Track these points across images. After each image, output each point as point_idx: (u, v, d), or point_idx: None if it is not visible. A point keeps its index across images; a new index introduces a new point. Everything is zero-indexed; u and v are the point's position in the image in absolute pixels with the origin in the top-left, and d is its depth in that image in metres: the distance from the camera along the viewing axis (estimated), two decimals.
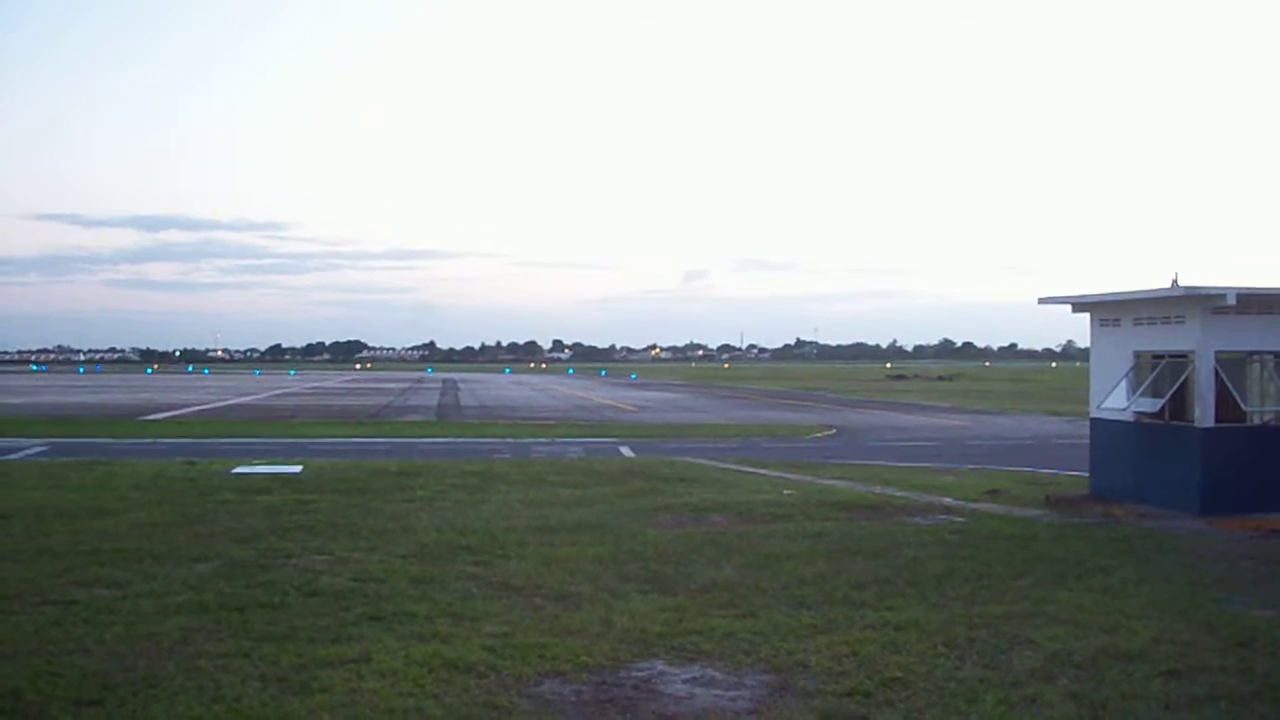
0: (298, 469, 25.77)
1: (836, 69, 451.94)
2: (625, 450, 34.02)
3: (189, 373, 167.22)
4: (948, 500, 21.27)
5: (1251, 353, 19.71)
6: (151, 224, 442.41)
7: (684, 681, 9.58)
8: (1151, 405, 20.05)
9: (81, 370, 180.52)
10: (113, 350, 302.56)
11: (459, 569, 14.22)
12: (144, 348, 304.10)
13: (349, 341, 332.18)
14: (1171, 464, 19.93)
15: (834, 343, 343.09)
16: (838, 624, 11.42)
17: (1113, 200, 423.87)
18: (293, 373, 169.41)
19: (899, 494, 22.14)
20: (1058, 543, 16.42)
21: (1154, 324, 20.35)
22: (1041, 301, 23.11)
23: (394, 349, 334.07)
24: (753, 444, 37.43)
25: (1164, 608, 12.19)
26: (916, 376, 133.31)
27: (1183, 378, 19.55)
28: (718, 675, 9.75)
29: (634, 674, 9.76)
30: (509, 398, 77.26)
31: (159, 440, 37.27)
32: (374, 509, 19.44)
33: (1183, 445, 19.68)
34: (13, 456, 30.03)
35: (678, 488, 22.80)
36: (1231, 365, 19.45)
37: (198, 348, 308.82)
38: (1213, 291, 18.91)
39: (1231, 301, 18.80)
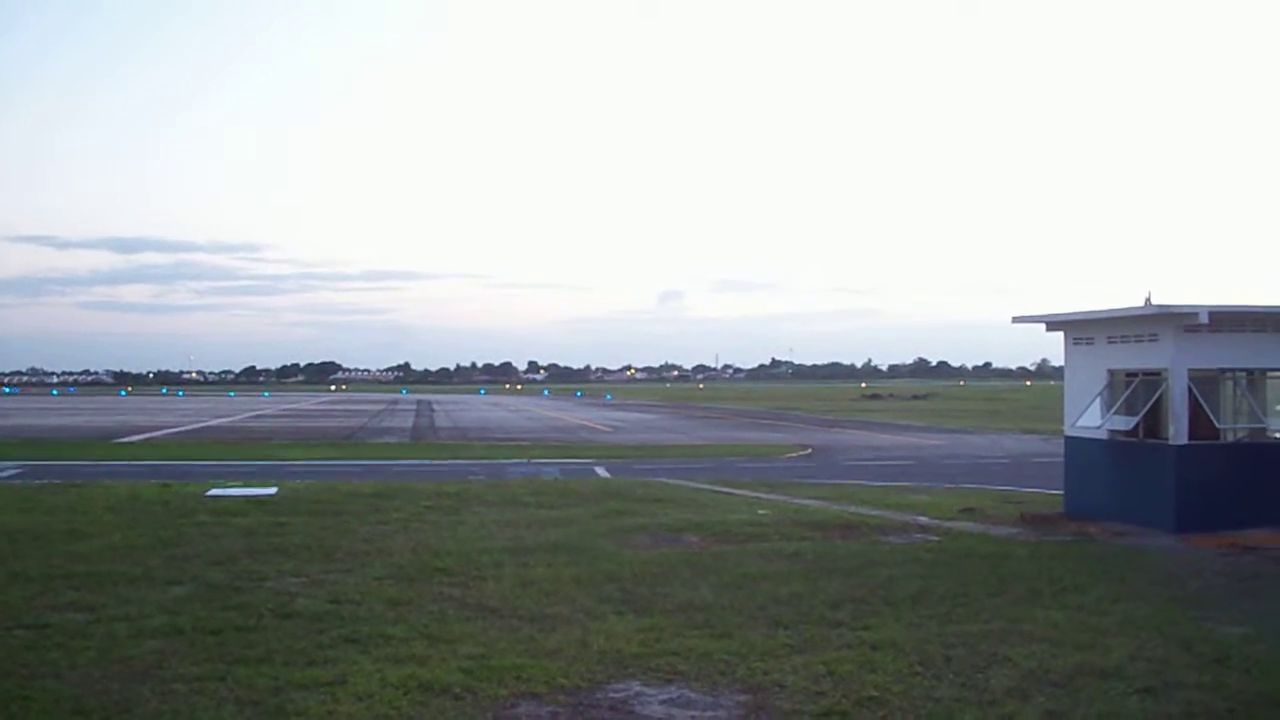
0: (273, 491, 25.67)
1: (812, 91, 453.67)
2: (601, 471, 34.03)
3: (163, 395, 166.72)
4: (923, 519, 21.30)
5: (1224, 370, 19.84)
6: (126, 246, 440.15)
7: (661, 702, 9.57)
8: (1126, 423, 20.13)
9: (55, 392, 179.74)
10: (86, 372, 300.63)
11: (435, 591, 14.17)
12: (118, 370, 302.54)
13: (323, 363, 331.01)
14: (1146, 482, 20.00)
15: (809, 363, 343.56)
16: (814, 643, 11.42)
17: (1087, 219, 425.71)
18: (267, 394, 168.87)
19: (874, 513, 22.17)
20: (1033, 561, 16.45)
21: (1127, 342, 20.45)
22: (1015, 320, 23.22)
23: (369, 370, 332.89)
24: (728, 464, 37.49)
25: (1139, 625, 12.22)
26: (891, 396, 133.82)
27: (1156, 396, 19.64)
28: (694, 696, 9.74)
29: (611, 695, 9.75)
30: (484, 419, 77.19)
31: (133, 462, 37.12)
32: (349, 531, 19.37)
33: (1157, 463, 19.77)
34: None
35: (653, 508, 22.77)
36: (1205, 383, 19.56)
37: (172, 370, 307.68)
38: (1185, 310, 19.03)
39: (1204, 320, 18.91)
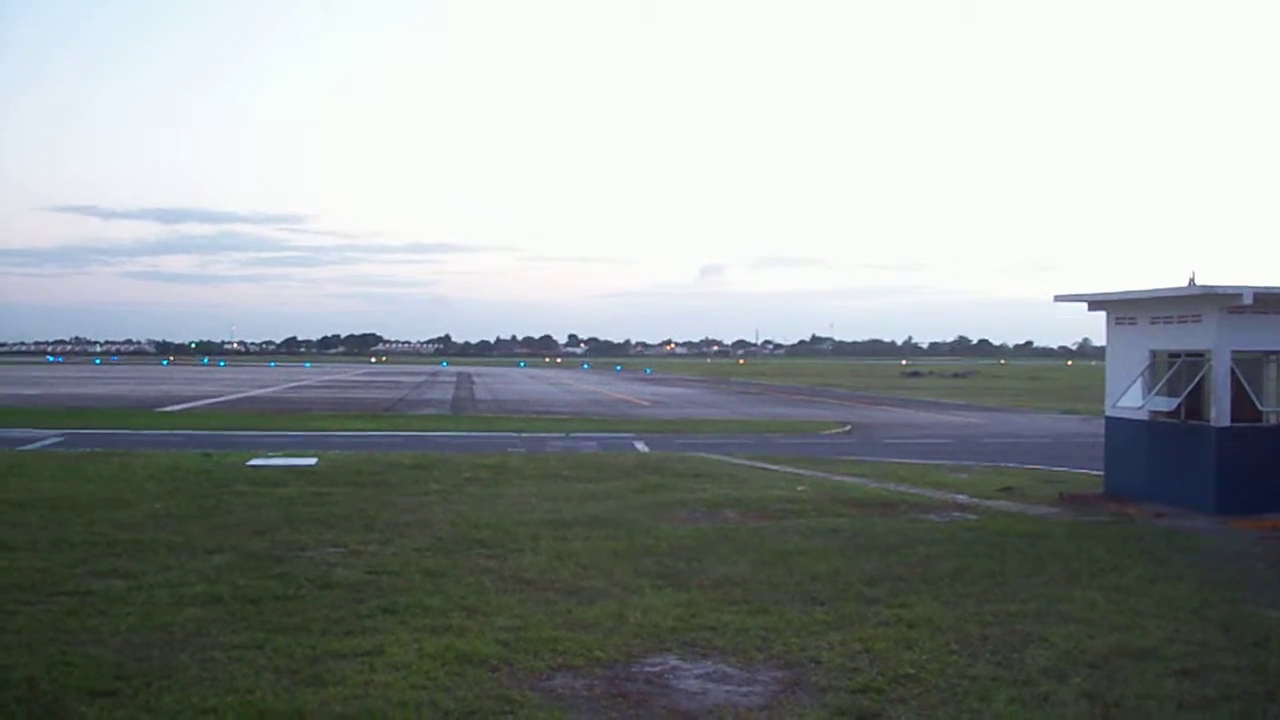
0: (313, 461, 25.83)
1: (854, 64, 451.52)
2: (640, 445, 34.02)
3: (205, 365, 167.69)
4: (961, 498, 21.24)
5: (1268, 352, 19.65)
6: (170, 216, 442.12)
7: (697, 677, 9.60)
8: (1167, 404, 20.00)
9: (98, 361, 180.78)
10: (129, 342, 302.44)
11: (473, 562, 14.25)
12: (160, 339, 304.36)
13: (364, 334, 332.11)
14: (1187, 463, 19.88)
15: (849, 339, 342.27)
16: (851, 620, 11.42)
17: (1131, 198, 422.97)
18: (308, 365, 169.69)
19: (913, 491, 22.12)
20: (1071, 541, 16.39)
21: (1170, 323, 20.29)
22: (1058, 299, 23.07)
23: (409, 342, 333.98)
24: (767, 440, 37.41)
25: (1177, 607, 12.17)
26: (932, 373, 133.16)
27: (1199, 377, 19.50)
28: (730, 671, 9.76)
29: (647, 669, 9.78)
30: (524, 392, 77.28)
31: (175, 432, 37.38)
32: (388, 502, 19.49)
33: (1198, 445, 19.64)
34: (29, 447, 30.16)
35: (691, 483, 22.80)
36: (1248, 365, 19.40)
37: (214, 340, 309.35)
38: (1230, 291, 18.86)
39: (1248, 301, 18.75)
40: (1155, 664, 9.96)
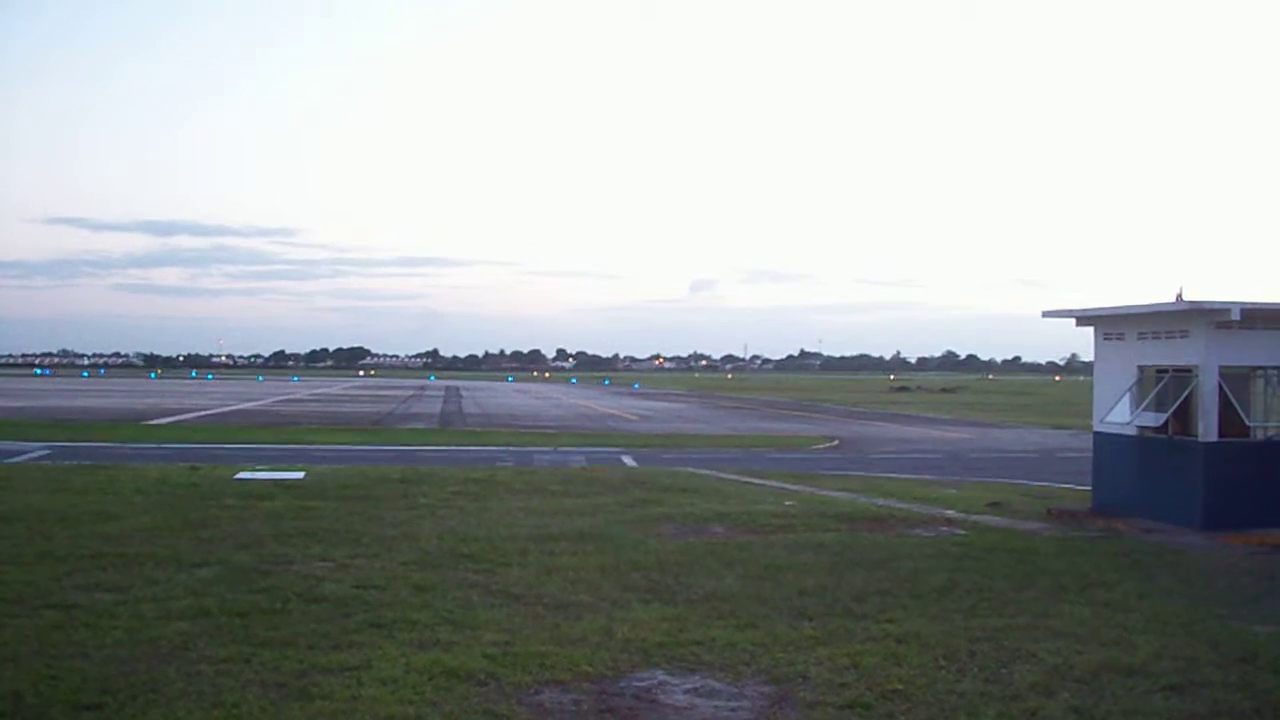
0: (300, 475, 25.76)
1: (843, 80, 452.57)
2: (628, 460, 34.01)
3: (193, 378, 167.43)
4: (950, 513, 21.23)
5: (1256, 367, 19.69)
6: (161, 229, 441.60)
7: (684, 692, 9.57)
8: (1155, 419, 20.02)
9: (85, 374, 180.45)
10: (117, 355, 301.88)
11: (460, 577, 14.20)
12: (148, 352, 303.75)
13: (353, 348, 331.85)
14: (1174, 478, 19.89)
15: (838, 354, 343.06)
16: (838, 635, 11.40)
17: (1119, 214, 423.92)
18: (296, 379, 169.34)
19: (901, 506, 22.10)
20: (1060, 556, 16.40)
21: (1158, 338, 20.33)
22: (1046, 315, 23.08)
23: (398, 356, 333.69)
24: (755, 455, 37.43)
25: (1166, 622, 12.17)
26: (920, 388, 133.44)
27: (1186, 392, 19.52)
28: (718, 686, 9.74)
29: (634, 684, 9.75)
30: (512, 406, 77.26)
31: (162, 445, 37.30)
32: (376, 516, 19.43)
33: (1186, 460, 19.66)
34: (15, 460, 30.05)
35: (679, 498, 22.77)
36: (1235, 380, 19.43)
37: (202, 353, 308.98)
38: (1217, 306, 18.90)
39: (1236, 316, 18.78)
40: (1143, 680, 9.96)
